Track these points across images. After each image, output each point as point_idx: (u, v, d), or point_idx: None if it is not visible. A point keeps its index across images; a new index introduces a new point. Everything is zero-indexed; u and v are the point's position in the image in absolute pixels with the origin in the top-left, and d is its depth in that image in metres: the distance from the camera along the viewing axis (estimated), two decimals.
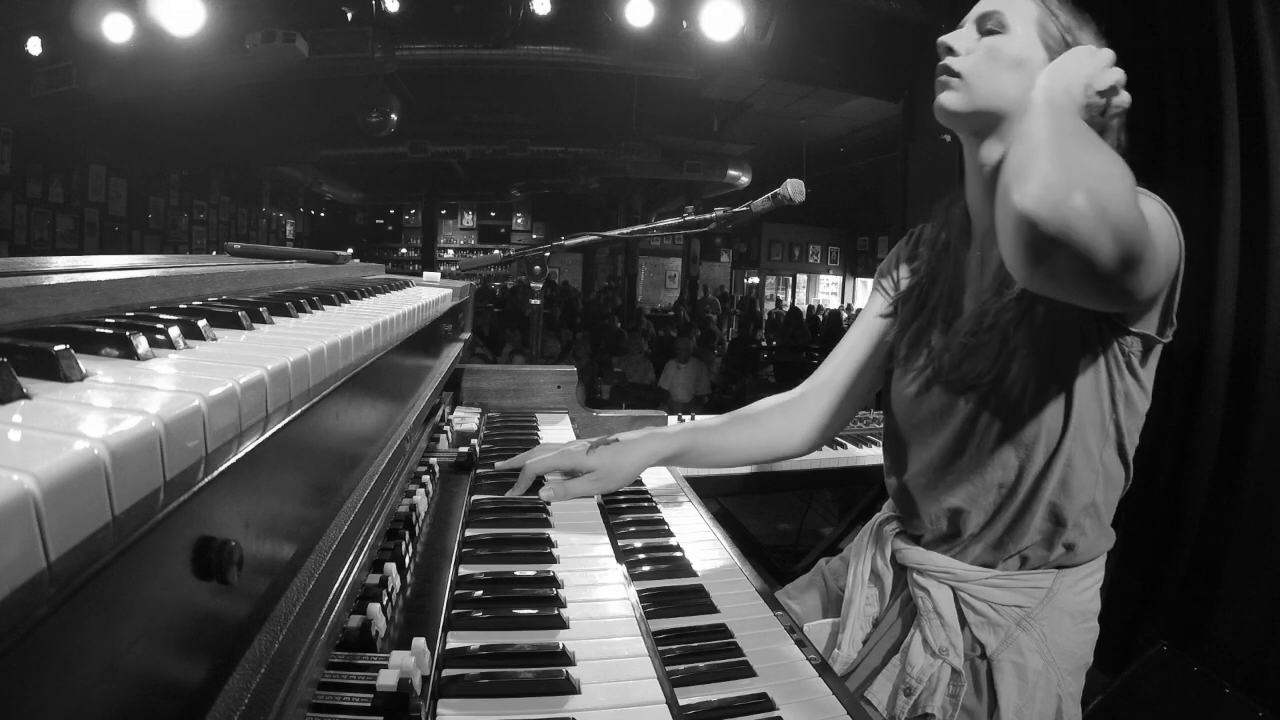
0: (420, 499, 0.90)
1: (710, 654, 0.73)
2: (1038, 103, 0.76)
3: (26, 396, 0.32)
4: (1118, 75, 0.81)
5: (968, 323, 0.97)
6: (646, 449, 1.10)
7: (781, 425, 1.17)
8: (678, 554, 0.96)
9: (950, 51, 0.95)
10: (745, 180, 10.26)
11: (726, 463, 1.18)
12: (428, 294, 1.14)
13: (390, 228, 14.38)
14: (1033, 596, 0.94)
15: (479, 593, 0.78)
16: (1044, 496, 0.92)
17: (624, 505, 1.12)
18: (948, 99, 0.95)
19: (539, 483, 1.10)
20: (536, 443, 1.37)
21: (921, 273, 1.10)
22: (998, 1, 0.95)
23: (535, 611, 0.75)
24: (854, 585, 1.09)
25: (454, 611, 0.73)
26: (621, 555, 0.93)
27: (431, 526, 0.92)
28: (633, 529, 1.03)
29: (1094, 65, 0.80)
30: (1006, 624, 0.94)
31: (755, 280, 14.50)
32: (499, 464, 1.15)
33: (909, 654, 0.97)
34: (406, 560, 0.77)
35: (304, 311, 0.70)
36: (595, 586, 0.83)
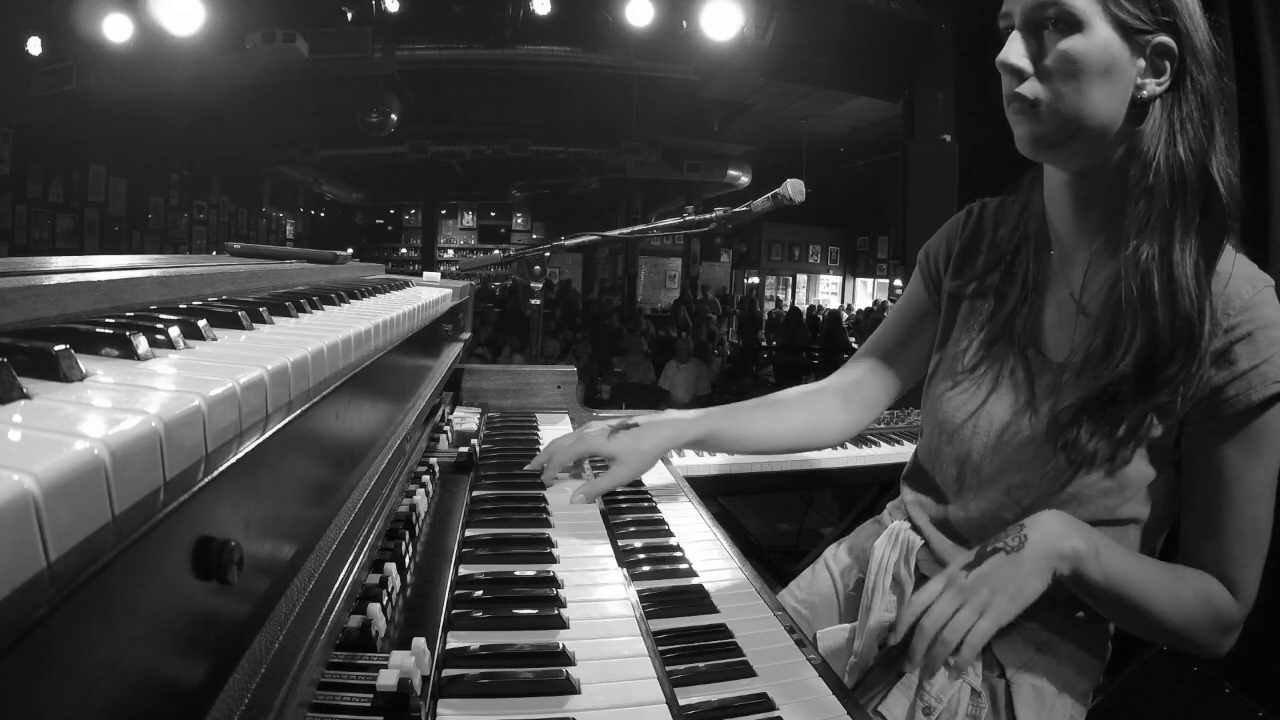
0: (420, 499, 0.90)
1: (710, 654, 0.73)
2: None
3: (26, 396, 0.32)
4: None
5: (1066, 370, 0.86)
6: (666, 434, 1.06)
7: (803, 419, 1.10)
8: (678, 554, 0.96)
9: (1016, 73, 0.78)
10: (745, 180, 10.27)
11: (748, 450, 1.13)
12: (428, 294, 1.14)
13: (390, 228, 14.40)
14: (1055, 619, 0.92)
15: (479, 593, 0.78)
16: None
17: (624, 505, 1.12)
18: (1032, 134, 0.79)
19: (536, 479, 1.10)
20: (536, 442, 1.37)
21: (985, 265, 0.97)
22: None
23: (535, 611, 0.75)
24: (873, 592, 1.04)
25: (454, 611, 0.73)
26: (621, 555, 0.93)
27: (431, 526, 0.92)
28: (633, 529, 1.02)
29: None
30: (1027, 646, 0.92)
31: (755, 280, 14.50)
32: (528, 466, 1.15)
33: None
34: (406, 560, 0.77)
35: (304, 311, 0.70)
36: (595, 586, 0.83)
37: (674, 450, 1.10)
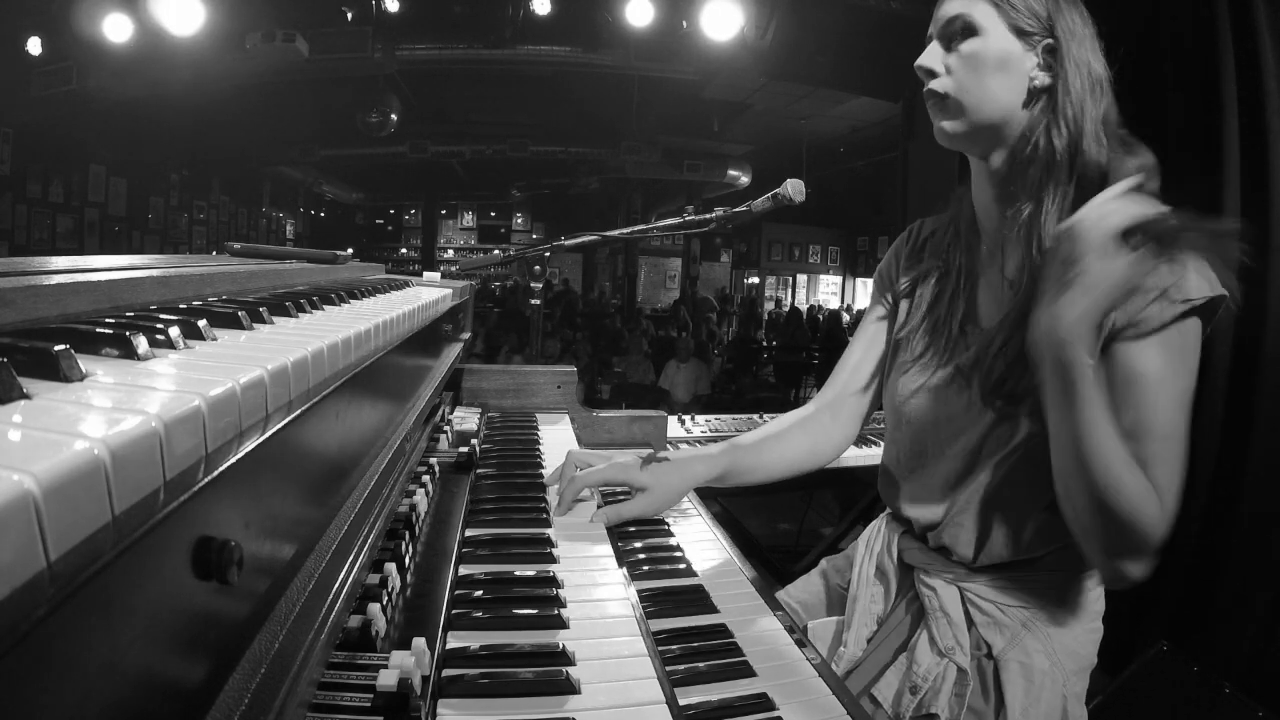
0: (420, 499, 0.90)
1: (710, 654, 0.73)
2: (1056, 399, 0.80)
3: (26, 396, 0.32)
4: (1135, 212, 0.76)
5: (998, 331, 0.94)
6: (695, 470, 1.10)
7: (804, 443, 1.19)
8: (678, 554, 0.96)
9: (930, 74, 0.93)
10: (745, 180, 10.26)
11: (759, 481, 1.19)
12: (428, 294, 1.14)
13: (390, 228, 14.40)
14: (1039, 597, 0.94)
15: (479, 593, 0.78)
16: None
17: None
18: (945, 124, 0.94)
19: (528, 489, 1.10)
20: (537, 442, 1.38)
21: (927, 266, 1.08)
22: (955, 5, 0.92)
23: (535, 611, 0.75)
24: (859, 582, 1.08)
25: (454, 611, 0.73)
26: (621, 555, 0.93)
27: (431, 526, 0.92)
28: (633, 529, 1.03)
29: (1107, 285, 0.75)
30: (1013, 624, 0.94)
31: (755, 280, 14.49)
32: (547, 478, 1.16)
33: (915, 652, 0.96)
34: (406, 560, 0.77)
35: (304, 311, 0.70)
36: (595, 586, 0.83)
37: (702, 485, 1.15)
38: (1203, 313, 0.84)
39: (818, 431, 1.19)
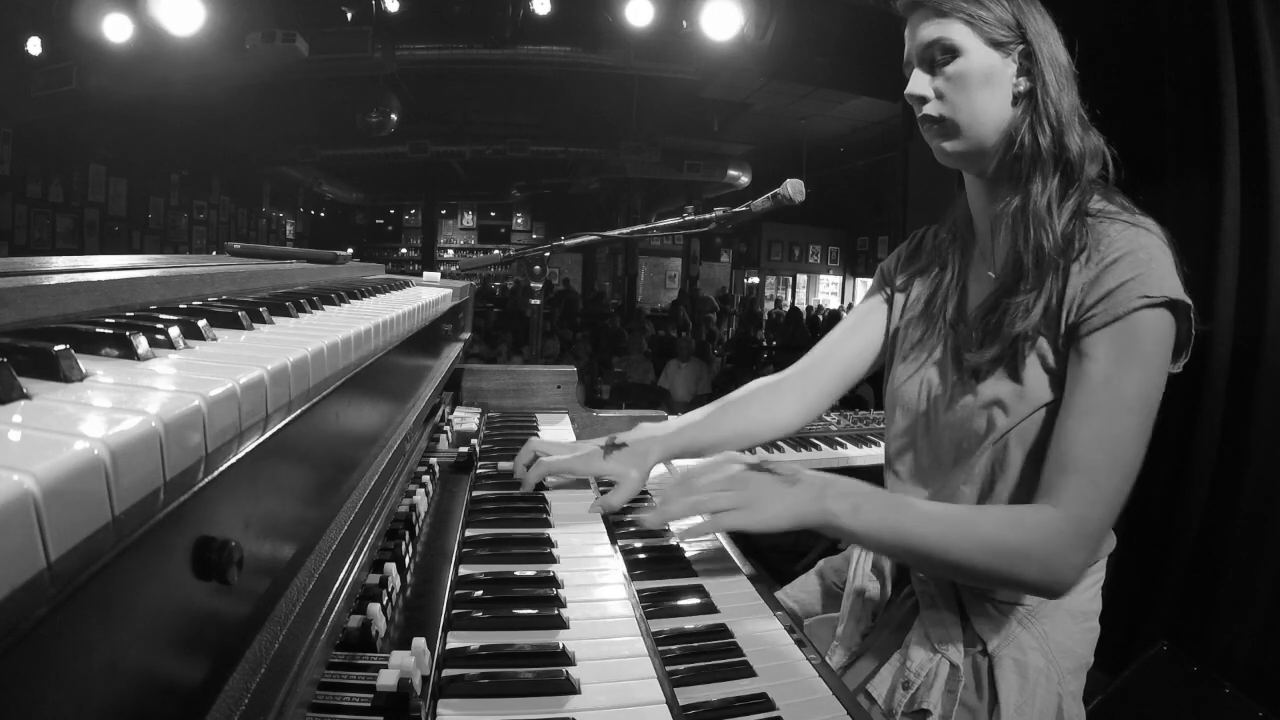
0: (420, 499, 0.90)
1: (710, 654, 0.73)
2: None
3: (26, 396, 0.32)
4: None
5: (982, 310, 0.97)
6: (656, 451, 1.11)
7: (765, 408, 1.20)
8: (677, 553, 0.96)
9: (921, 100, 0.96)
10: (745, 180, 10.26)
11: (722, 449, 1.18)
12: (428, 294, 1.14)
13: (390, 228, 14.39)
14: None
15: (479, 593, 0.78)
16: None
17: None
18: (944, 145, 0.97)
19: (540, 486, 1.10)
20: None
21: (926, 264, 1.12)
22: (931, 30, 0.94)
23: (535, 611, 0.75)
24: (856, 578, 1.09)
25: (454, 611, 0.73)
26: (621, 555, 0.93)
27: (431, 526, 0.92)
28: (633, 529, 1.03)
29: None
30: (1007, 621, 0.94)
31: (755, 280, 14.49)
32: (502, 464, 1.16)
33: (909, 648, 0.97)
34: (406, 560, 0.77)
35: (304, 311, 0.70)
36: (595, 586, 0.83)
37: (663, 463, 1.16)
38: (1173, 311, 0.84)
39: (782, 397, 1.19)
